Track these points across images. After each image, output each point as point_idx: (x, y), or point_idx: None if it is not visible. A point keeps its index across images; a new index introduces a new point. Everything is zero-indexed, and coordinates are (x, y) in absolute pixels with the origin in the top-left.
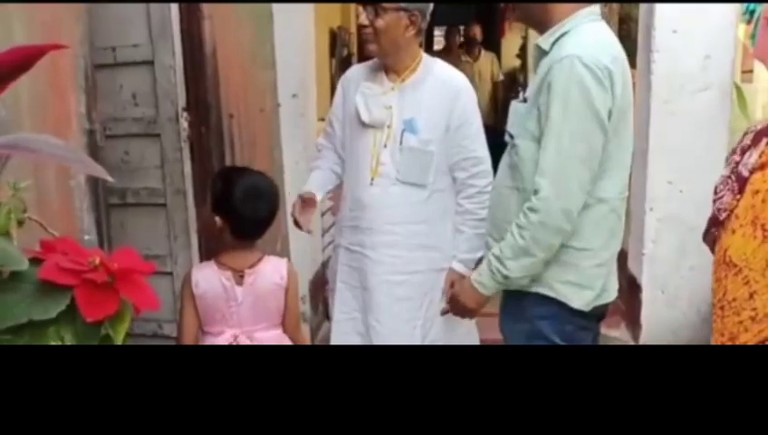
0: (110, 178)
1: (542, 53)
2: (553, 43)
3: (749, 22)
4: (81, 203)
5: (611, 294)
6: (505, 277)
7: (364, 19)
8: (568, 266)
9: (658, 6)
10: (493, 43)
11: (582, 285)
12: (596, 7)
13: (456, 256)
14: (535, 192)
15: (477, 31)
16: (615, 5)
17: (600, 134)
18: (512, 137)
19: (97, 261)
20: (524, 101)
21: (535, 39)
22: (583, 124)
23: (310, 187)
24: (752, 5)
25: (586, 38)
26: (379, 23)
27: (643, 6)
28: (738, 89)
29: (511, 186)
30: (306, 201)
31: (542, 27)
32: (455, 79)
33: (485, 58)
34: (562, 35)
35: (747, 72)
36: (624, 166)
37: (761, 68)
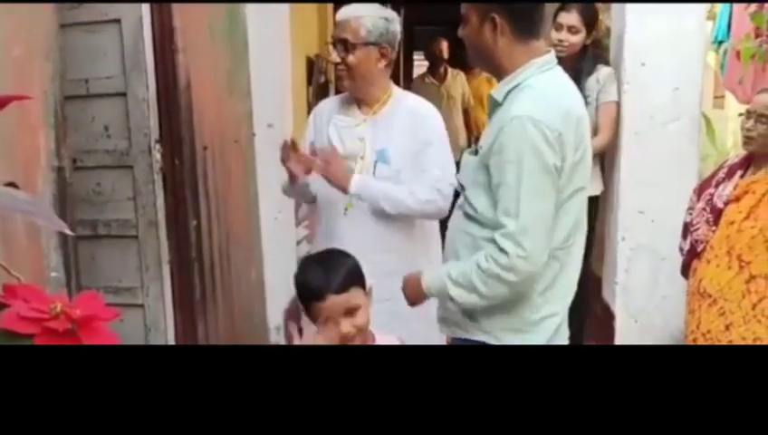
0: (70, 232)
1: (497, 104)
2: (506, 95)
3: (717, 51)
4: (49, 241)
5: (562, 342)
6: (448, 297)
7: (336, 57)
8: (509, 314)
9: (627, 40)
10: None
11: (525, 332)
12: (551, 56)
13: None
14: (502, 250)
15: (443, 47)
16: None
17: (554, 191)
18: (462, 188)
19: (58, 308)
20: (476, 153)
21: None
22: (539, 183)
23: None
24: (719, 37)
25: (538, 95)
26: (351, 59)
27: (613, 39)
28: (707, 119)
29: (464, 230)
30: (294, 147)
31: (496, 75)
32: (424, 108)
33: (454, 79)
34: (514, 88)
35: (719, 97)
36: (568, 216)
37: (731, 96)
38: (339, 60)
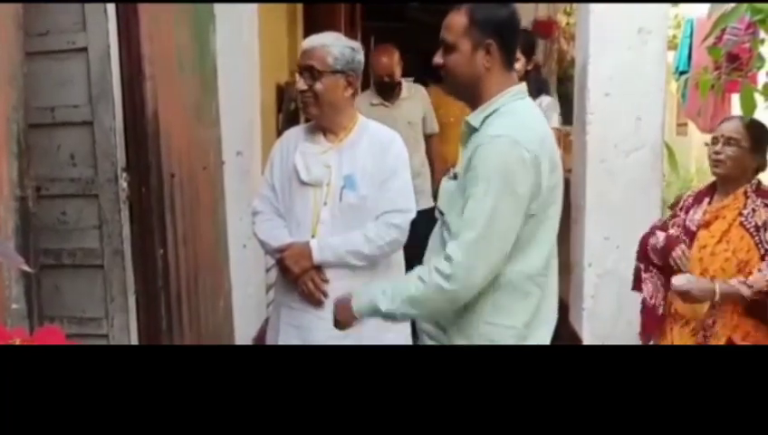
0: (29, 269)
1: (473, 130)
2: (483, 121)
3: (678, 81)
4: (11, 272)
5: None
6: (381, 313)
7: (303, 84)
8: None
9: (591, 71)
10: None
11: None
12: (523, 86)
13: None
14: (447, 257)
15: (392, 62)
16: (554, 65)
17: (520, 216)
18: (441, 214)
19: (17, 343)
20: (454, 177)
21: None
22: (505, 204)
23: (281, 240)
24: (681, 67)
25: (515, 119)
26: (318, 86)
27: (577, 70)
28: (669, 147)
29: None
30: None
31: (472, 102)
32: (387, 135)
33: (411, 99)
34: (492, 113)
35: (682, 125)
36: (544, 242)
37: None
38: (305, 87)
